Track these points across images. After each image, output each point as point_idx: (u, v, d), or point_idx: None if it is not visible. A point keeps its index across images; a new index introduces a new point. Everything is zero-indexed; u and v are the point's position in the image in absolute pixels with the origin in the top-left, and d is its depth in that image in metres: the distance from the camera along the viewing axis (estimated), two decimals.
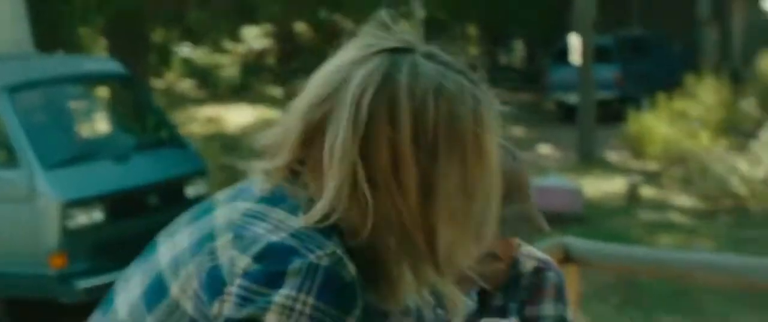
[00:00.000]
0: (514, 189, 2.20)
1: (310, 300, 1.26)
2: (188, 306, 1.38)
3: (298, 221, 1.32)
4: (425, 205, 1.32)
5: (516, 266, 2.44)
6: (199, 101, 20.56)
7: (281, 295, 1.26)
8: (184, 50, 21.90)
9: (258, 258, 1.30)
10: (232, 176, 11.77)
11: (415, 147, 1.30)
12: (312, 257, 1.28)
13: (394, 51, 1.37)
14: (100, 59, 9.58)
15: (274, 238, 1.31)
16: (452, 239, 1.34)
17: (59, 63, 9.25)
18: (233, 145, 15.34)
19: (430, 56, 1.37)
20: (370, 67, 1.35)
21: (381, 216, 1.31)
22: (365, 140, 1.31)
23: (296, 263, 1.28)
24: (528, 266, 2.45)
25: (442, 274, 1.37)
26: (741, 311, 8.26)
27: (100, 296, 5.95)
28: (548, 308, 2.43)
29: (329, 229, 1.31)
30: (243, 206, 1.41)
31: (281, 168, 1.39)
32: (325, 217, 1.31)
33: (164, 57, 20.77)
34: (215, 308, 1.32)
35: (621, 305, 7.94)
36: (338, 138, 1.32)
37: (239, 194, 1.46)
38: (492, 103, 1.38)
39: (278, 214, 1.34)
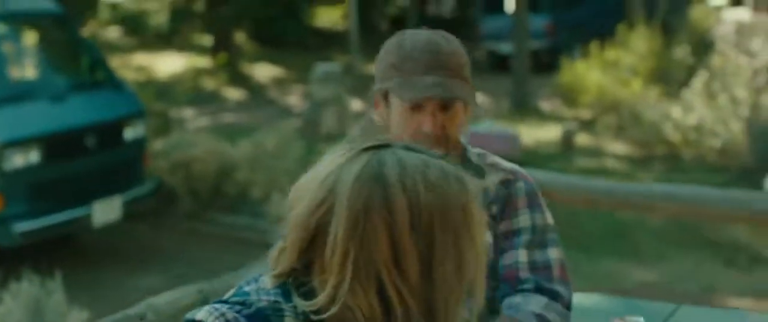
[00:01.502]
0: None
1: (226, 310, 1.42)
2: None
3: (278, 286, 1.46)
4: (425, 287, 1.40)
5: (481, 176, 2.37)
6: (127, 49, 20.16)
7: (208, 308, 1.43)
8: None
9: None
10: (165, 122, 11.59)
11: (413, 234, 1.38)
12: (258, 295, 1.44)
13: (376, 148, 1.46)
14: None
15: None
16: (447, 312, 1.43)
17: None
18: (165, 92, 15.11)
19: (409, 149, 1.47)
20: (359, 165, 1.43)
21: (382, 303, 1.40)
22: (364, 235, 1.39)
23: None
24: (494, 178, 2.40)
25: None
26: (676, 251, 8.40)
27: (38, 240, 5.83)
28: (524, 219, 2.39)
29: (293, 294, 1.44)
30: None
31: (285, 274, 1.47)
32: (324, 307, 1.41)
33: (90, 2, 20.26)
34: None
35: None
36: (338, 236, 1.40)
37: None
38: (473, 185, 1.47)
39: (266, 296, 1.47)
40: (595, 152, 12.38)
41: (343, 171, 1.44)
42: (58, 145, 7.83)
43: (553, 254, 2.37)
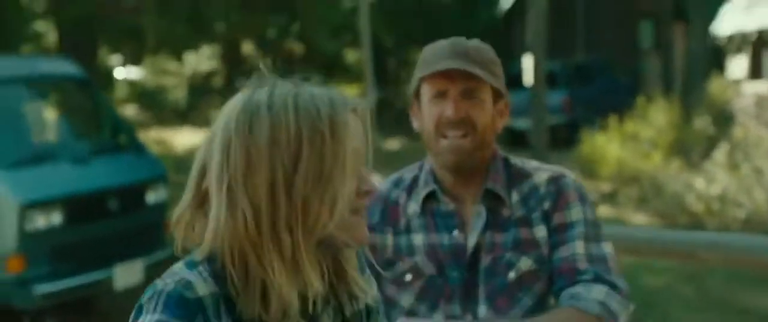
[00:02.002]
0: None
1: (155, 316, 1.46)
2: None
3: (180, 265, 1.55)
4: (289, 199, 1.49)
5: (528, 176, 2.47)
6: (145, 125, 20.24)
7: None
8: (124, 72, 21.56)
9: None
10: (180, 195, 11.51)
11: (276, 151, 1.48)
12: (160, 285, 1.50)
13: (259, 85, 1.57)
14: (56, 61, 9.27)
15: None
16: (315, 224, 1.51)
17: (14, 63, 8.97)
18: (183, 165, 15.08)
19: (288, 80, 1.58)
20: (234, 100, 1.56)
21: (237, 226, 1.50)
22: (230, 159, 1.49)
23: (148, 294, 1.50)
24: (542, 176, 2.47)
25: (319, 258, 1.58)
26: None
27: (59, 302, 5.73)
28: (576, 212, 2.43)
29: (198, 262, 1.53)
30: None
31: (186, 224, 1.57)
32: (212, 250, 1.52)
33: (108, 79, 20.42)
34: None
35: None
36: (212, 165, 1.52)
37: None
38: (348, 104, 1.55)
39: (175, 267, 1.56)
40: (618, 223, 12.25)
41: (223, 109, 1.57)
42: (80, 208, 7.75)
43: (607, 248, 2.41)
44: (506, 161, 2.50)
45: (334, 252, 1.64)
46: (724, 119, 14.41)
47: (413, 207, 2.49)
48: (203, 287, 1.51)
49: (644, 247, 4.45)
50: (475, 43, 2.43)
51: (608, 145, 14.43)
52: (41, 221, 7.43)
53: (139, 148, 8.89)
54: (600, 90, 20.22)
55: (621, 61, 22.35)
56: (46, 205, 7.48)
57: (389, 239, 2.48)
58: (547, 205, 2.43)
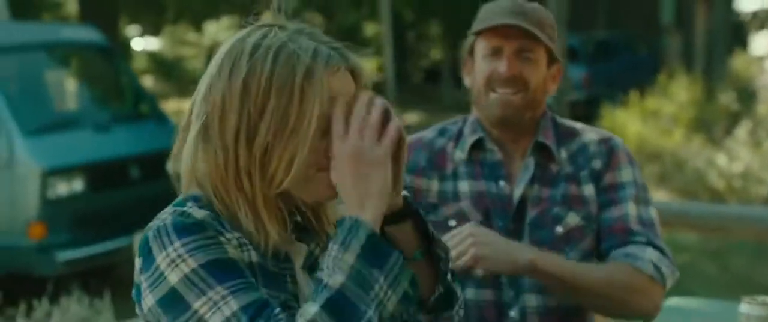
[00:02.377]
0: None
1: (176, 243, 1.47)
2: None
3: (167, 208, 1.57)
4: (248, 148, 1.52)
5: (577, 134, 2.48)
6: (163, 95, 20.25)
7: (159, 260, 1.48)
8: (142, 43, 21.56)
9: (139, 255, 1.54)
10: None
11: (246, 99, 1.51)
12: (158, 223, 1.51)
13: (262, 27, 1.58)
14: (78, 27, 9.29)
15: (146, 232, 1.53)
16: (276, 170, 1.53)
17: (38, 30, 8.97)
18: None
19: (284, 28, 1.57)
20: (231, 38, 1.60)
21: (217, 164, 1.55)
22: (209, 99, 1.54)
23: (150, 236, 1.50)
24: (592, 136, 2.48)
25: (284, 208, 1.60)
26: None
27: (80, 269, 5.72)
28: (627, 173, 2.43)
29: (183, 201, 1.57)
30: None
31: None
32: (193, 184, 1.57)
33: (126, 50, 20.42)
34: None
35: None
36: (196, 101, 1.58)
37: None
38: (333, 63, 1.55)
39: (161, 213, 1.57)
40: None
41: (221, 46, 1.62)
42: (102, 175, 7.75)
43: (654, 213, 2.44)
44: (554, 119, 2.50)
45: (299, 205, 1.65)
46: (746, 96, 14.30)
47: (459, 154, 2.49)
48: (198, 213, 1.54)
49: (673, 219, 4.42)
50: (534, 5, 2.42)
51: (629, 121, 14.33)
52: (63, 188, 7.44)
53: (160, 117, 8.89)
54: (620, 66, 20.11)
55: (642, 37, 22.21)
56: (68, 172, 7.48)
57: (435, 185, 2.48)
58: (597, 164, 2.43)
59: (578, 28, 20.61)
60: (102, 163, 7.78)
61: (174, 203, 1.60)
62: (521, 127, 2.44)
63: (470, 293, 2.41)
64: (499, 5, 2.40)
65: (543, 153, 2.44)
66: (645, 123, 14.19)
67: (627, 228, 2.37)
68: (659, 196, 12.32)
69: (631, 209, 2.39)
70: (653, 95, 15.03)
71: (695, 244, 8.91)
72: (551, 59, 2.42)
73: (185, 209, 1.54)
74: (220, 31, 20.49)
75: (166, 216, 1.53)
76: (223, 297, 1.45)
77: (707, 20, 19.45)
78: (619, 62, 20.40)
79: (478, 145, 2.48)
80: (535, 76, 2.38)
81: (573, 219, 2.41)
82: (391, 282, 1.47)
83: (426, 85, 23.47)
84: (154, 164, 8.23)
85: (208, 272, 1.46)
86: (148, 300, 1.51)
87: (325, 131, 1.54)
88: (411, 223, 1.64)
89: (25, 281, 7.20)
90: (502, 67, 2.36)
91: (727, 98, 14.25)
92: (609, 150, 2.44)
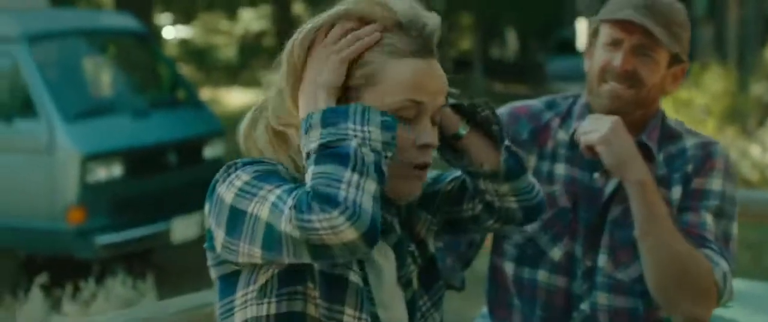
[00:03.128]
0: None
1: (238, 172, 1.55)
2: None
3: None
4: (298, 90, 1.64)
5: (680, 137, 2.39)
6: (195, 83, 20.32)
7: (220, 189, 1.56)
8: (174, 31, 21.63)
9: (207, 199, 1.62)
10: (237, 153, 11.58)
11: (300, 50, 1.64)
12: (229, 162, 1.60)
13: None
14: (116, 14, 9.36)
15: None
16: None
17: (76, 16, 9.05)
18: (234, 123, 15.11)
19: None
20: None
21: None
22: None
23: (216, 177, 1.59)
24: (694, 140, 2.40)
25: None
26: None
27: (118, 253, 5.81)
28: (716, 182, 2.33)
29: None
30: None
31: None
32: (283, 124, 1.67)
33: (157, 39, 20.53)
34: None
35: None
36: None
37: None
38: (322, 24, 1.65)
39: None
40: None
41: None
42: (140, 161, 7.83)
43: (734, 229, 2.33)
44: (663, 119, 2.43)
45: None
46: None
47: (563, 135, 2.44)
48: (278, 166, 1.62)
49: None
50: (667, 1, 2.34)
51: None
52: (102, 173, 7.52)
53: (197, 104, 8.96)
54: None
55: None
56: (107, 157, 7.57)
57: (532, 160, 2.43)
58: (690, 167, 2.36)
59: None
60: (140, 149, 7.86)
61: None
62: (629, 123, 2.32)
63: (542, 275, 2.40)
64: None
65: (644, 152, 2.33)
66: (677, 114, 14.12)
67: (702, 235, 2.29)
68: None
69: (709, 219, 2.30)
70: (686, 86, 14.96)
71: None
72: (674, 59, 2.35)
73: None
74: (254, 19, 20.58)
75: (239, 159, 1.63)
76: (270, 191, 1.51)
77: (740, 12, 19.34)
78: None
79: None
80: (651, 74, 2.31)
81: None
82: (360, 120, 1.52)
83: (456, 74, 23.41)
84: (191, 150, 8.31)
85: (258, 179, 1.53)
86: (219, 234, 1.57)
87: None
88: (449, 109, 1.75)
89: (71, 263, 7.30)
90: (617, 60, 2.30)
91: (759, 89, 14.18)
92: (706, 155, 2.38)
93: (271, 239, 1.49)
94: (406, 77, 1.61)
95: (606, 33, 2.33)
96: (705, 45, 21.62)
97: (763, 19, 19.28)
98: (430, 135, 1.62)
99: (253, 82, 20.36)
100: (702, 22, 22.71)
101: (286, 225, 1.45)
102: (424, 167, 1.63)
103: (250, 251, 1.52)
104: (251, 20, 20.63)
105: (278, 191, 1.50)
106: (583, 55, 2.47)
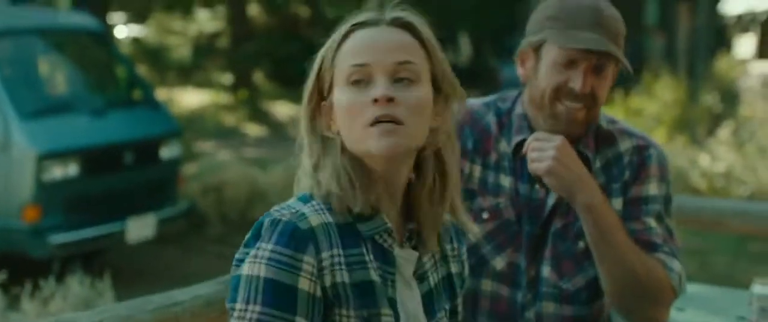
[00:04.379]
0: None
1: (269, 246, 1.65)
2: None
3: (293, 199, 1.76)
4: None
5: (614, 142, 2.40)
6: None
7: (252, 248, 1.67)
8: (126, 30, 21.47)
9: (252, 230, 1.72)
10: (190, 153, 11.57)
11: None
12: (276, 215, 1.68)
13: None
14: (73, 13, 9.31)
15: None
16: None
17: (33, 14, 8.98)
18: (188, 124, 15.09)
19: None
20: None
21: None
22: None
23: (265, 222, 1.68)
24: (628, 144, 2.41)
25: None
26: None
27: (73, 252, 5.79)
28: (653, 188, 2.38)
29: (311, 197, 1.73)
30: None
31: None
32: (313, 185, 1.74)
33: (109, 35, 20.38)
34: None
35: None
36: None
37: None
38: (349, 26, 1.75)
39: (291, 203, 1.75)
40: None
41: None
42: (96, 160, 7.80)
43: (673, 223, 2.39)
44: (598, 125, 2.42)
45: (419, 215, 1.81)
46: (729, 98, 14.44)
47: (504, 147, 2.43)
48: (314, 219, 1.69)
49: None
50: (611, 11, 2.33)
51: None
52: (57, 171, 7.48)
53: (154, 104, 8.93)
54: None
55: (625, 38, 22.34)
56: (63, 156, 7.53)
57: (477, 170, 2.44)
58: (627, 175, 2.38)
59: None
60: (96, 147, 7.82)
61: (302, 195, 1.76)
62: (570, 135, 2.34)
63: (486, 284, 2.42)
64: (583, 11, 2.30)
65: (582, 161, 2.33)
66: (628, 122, 14.29)
67: (651, 241, 2.32)
68: None
69: (652, 222, 2.34)
70: (637, 95, 15.16)
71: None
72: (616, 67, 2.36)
73: (305, 210, 1.70)
74: (209, 20, 20.50)
75: (287, 211, 1.70)
76: (253, 314, 1.64)
77: (690, 22, 19.60)
78: None
79: (522, 143, 2.39)
80: (604, 91, 2.33)
81: None
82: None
83: None
84: (148, 150, 8.28)
85: (263, 290, 1.64)
86: (231, 271, 1.72)
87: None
88: None
89: (29, 261, 7.25)
90: (576, 83, 2.27)
91: (710, 99, 14.40)
92: (641, 162, 2.39)
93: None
94: (350, 47, 1.73)
95: (559, 53, 2.29)
96: (656, 54, 21.88)
97: (713, 30, 19.58)
98: (381, 90, 1.68)
99: (206, 83, 20.29)
100: (653, 31, 22.98)
101: None
102: (381, 120, 1.68)
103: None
104: (206, 21, 20.57)
105: None
106: (515, 61, 2.42)
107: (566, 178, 2.23)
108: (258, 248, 1.66)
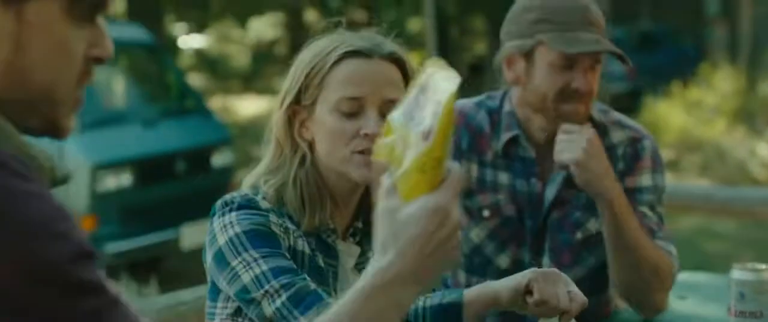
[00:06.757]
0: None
1: (233, 213, 1.76)
2: None
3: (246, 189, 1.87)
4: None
5: (607, 133, 2.44)
6: (209, 92, 20.49)
7: (216, 225, 1.78)
8: (189, 41, 21.78)
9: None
10: (247, 159, 11.71)
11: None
12: (228, 197, 1.80)
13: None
14: (126, 26, 9.51)
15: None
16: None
17: None
18: (247, 131, 15.28)
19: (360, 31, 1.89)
20: None
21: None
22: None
23: (218, 204, 1.80)
24: (621, 135, 2.47)
25: None
26: None
27: (128, 261, 5.93)
28: (646, 179, 2.44)
29: (258, 191, 1.82)
30: None
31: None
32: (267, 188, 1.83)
33: (173, 48, 20.68)
34: None
35: None
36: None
37: None
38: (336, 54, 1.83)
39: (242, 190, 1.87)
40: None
41: None
42: (150, 169, 7.96)
43: (664, 212, 2.46)
44: (590, 116, 2.44)
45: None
46: None
47: (496, 145, 2.47)
48: (263, 204, 1.81)
49: (701, 204, 4.50)
50: (593, 5, 2.36)
51: (671, 112, 14.32)
52: (112, 182, 7.65)
53: (205, 113, 9.09)
54: (665, 58, 20.02)
55: (686, 29, 22.09)
56: (117, 166, 7.70)
57: (474, 169, 2.47)
58: (621, 166, 2.43)
59: (622, 20, 20.55)
60: (149, 157, 7.99)
61: (251, 189, 1.85)
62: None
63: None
64: (569, 11, 2.32)
65: None
66: (687, 114, 14.17)
67: (649, 227, 2.38)
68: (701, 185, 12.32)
69: (647, 210, 2.40)
70: (696, 86, 15.01)
71: (733, 233, 8.93)
72: None
73: (257, 197, 1.80)
74: (264, 27, 20.72)
75: (237, 194, 1.81)
76: (255, 259, 1.72)
77: (753, 12, 19.30)
78: (663, 54, 20.30)
79: (513, 140, 2.44)
80: (597, 84, 2.36)
81: (593, 225, 2.42)
82: None
83: (470, 79, 23.51)
84: (200, 159, 8.43)
85: (247, 238, 1.73)
86: (208, 257, 1.79)
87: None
88: None
89: None
90: (579, 83, 2.31)
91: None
92: (634, 154, 2.44)
93: (244, 296, 1.73)
94: (344, 76, 1.80)
95: (556, 55, 2.31)
96: (717, 45, 21.59)
97: None
98: (372, 126, 1.77)
99: (266, 90, 20.48)
100: (715, 21, 22.67)
101: (266, 307, 1.70)
102: (365, 151, 1.77)
103: (225, 288, 1.78)
104: (263, 28, 20.79)
105: (263, 265, 1.71)
106: (502, 64, 2.43)
107: (594, 171, 2.28)
108: (222, 218, 1.77)
